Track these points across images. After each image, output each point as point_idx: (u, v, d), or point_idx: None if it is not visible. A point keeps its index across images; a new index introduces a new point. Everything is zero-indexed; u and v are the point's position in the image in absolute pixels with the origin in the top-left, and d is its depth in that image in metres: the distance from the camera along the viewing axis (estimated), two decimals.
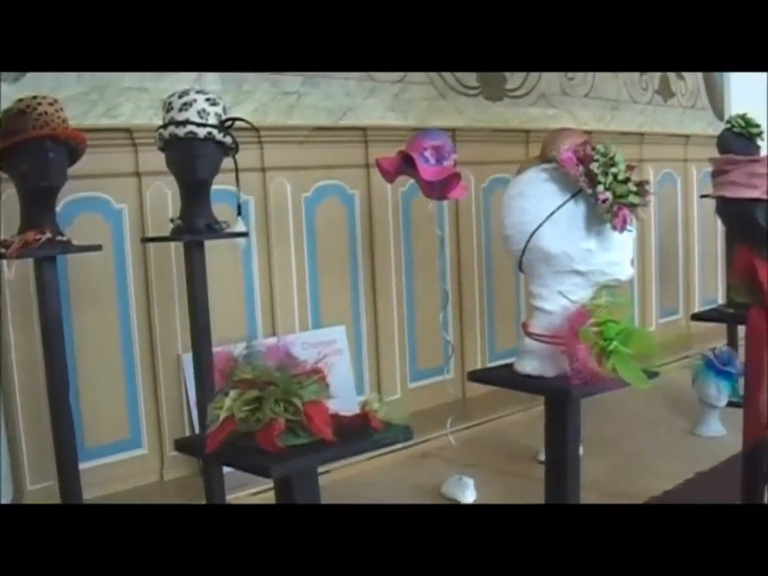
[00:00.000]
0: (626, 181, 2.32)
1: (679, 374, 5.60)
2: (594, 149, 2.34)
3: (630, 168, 2.37)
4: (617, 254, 2.45)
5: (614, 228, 2.33)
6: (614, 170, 2.32)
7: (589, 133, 6.21)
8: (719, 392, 5.13)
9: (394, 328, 5.45)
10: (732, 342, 5.68)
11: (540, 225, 2.39)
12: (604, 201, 2.30)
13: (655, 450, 4.92)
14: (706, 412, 5.25)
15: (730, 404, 5.01)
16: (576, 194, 2.38)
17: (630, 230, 2.41)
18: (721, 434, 5.08)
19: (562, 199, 2.39)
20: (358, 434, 2.24)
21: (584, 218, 2.38)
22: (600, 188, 2.30)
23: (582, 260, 2.39)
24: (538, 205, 2.40)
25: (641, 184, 2.33)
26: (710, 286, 7.89)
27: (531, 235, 2.40)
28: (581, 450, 4.70)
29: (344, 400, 2.42)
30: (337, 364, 4.87)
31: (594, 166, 2.31)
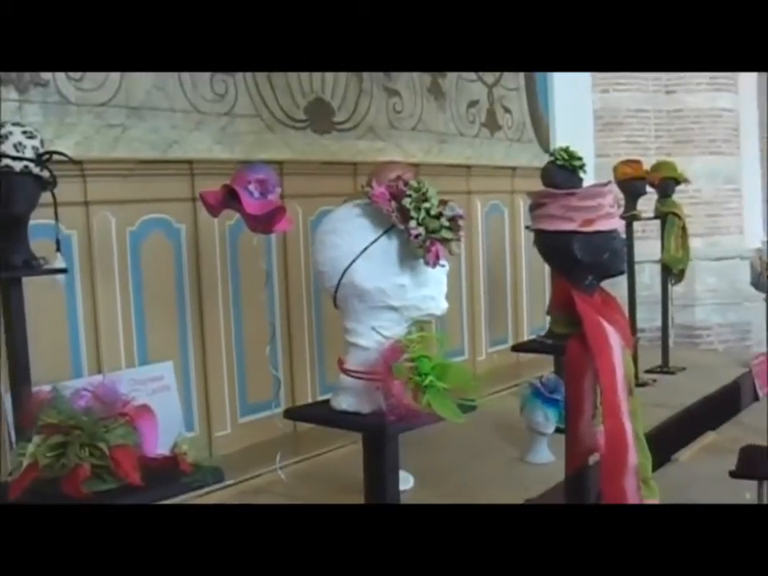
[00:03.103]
0: (439, 216, 2.33)
1: (509, 402, 5.68)
2: (406, 184, 2.34)
3: (442, 203, 2.38)
4: (431, 289, 2.45)
5: (427, 263, 2.33)
6: (426, 205, 2.32)
7: (416, 165, 6.30)
8: (547, 419, 5.23)
9: (222, 363, 5.39)
10: (559, 370, 5.77)
11: (353, 261, 2.38)
12: (416, 236, 2.30)
13: (485, 479, 4.98)
14: (535, 439, 5.34)
15: (558, 431, 5.09)
16: (389, 229, 2.38)
17: (443, 265, 2.42)
18: (549, 460, 5.17)
19: (374, 235, 2.39)
20: (167, 477, 2.18)
21: (397, 253, 2.38)
22: (412, 223, 2.30)
23: (396, 295, 2.39)
24: (351, 241, 2.40)
25: (453, 219, 2.34)
26: (538, 315, 8.05)
27: (344, 271, 2.40)
28: (411, 482, 4.76)
29: (172, 437, 2.38)
30: (165, 400, 4.84)
31: (406, 202, 2.32)
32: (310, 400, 5.65)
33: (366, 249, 2.38)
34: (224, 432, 5.42)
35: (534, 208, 3.34)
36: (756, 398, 7.58)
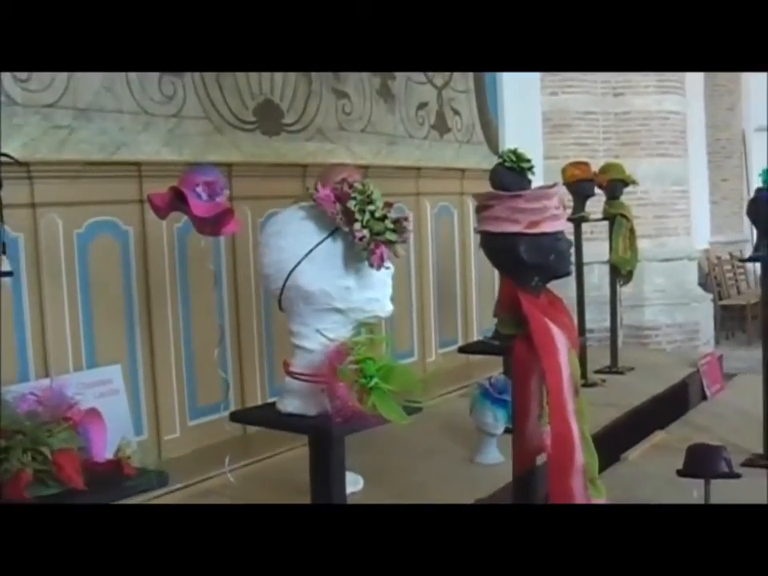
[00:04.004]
0: (383, 218, 2.33)
1: (459, 403, 5.69)
2: (351, 187, 2.35)
3: (387, 205, 2.39)
4: (376, 291, 2.46)
5: (372, 265, 2.34)
6: (371, 207, 2.33)
7: (365, 167, 6.30)
8: (496, 420, 5.26)
9: (171, 365, 5.36)
10: (508, 371, 5.79)
11: (297, 263, 2.38)
12: (361, 238, 2.31)
13: (435, 479, 5.00)
14: (484, 440, 5.37)
15: (508, 431, 5.11)
16: (334, 231, 2.38)
17: (388, 267, 2.43)
18: (499, 460, 5.19)
19: (319, 237, 2.39)
20: (110, 481, 2.18)
21: (342, 255, 2.39)
22: (357, 226, 2.31)
23: (341, 298, 2.40)
24: (296, 243, 2.40)
25: (398, 221, 2.35)
26: (487, 316, 8.07)
27: (289, 274, 2.40)
28: (361, 484, 4.77)
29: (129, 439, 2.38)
30: (113, 404, 4.81)
31: (351, 204, 2.32)
32: (260, 402, 5.64)
33: (310, 251, 2.38)
34: (173, 435, 5.38)
35: (479, 210, 3.36)
36: (704, 398, 7.66)
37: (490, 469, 5.18)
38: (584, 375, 7.39)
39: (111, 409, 4.45)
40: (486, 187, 5.98)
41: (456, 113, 8.41)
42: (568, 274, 3.40)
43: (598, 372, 7.93)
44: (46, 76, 4.81)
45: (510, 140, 8.46)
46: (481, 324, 8.01)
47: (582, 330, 7.56)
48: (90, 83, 5.04)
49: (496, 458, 5.29)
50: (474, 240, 7.83)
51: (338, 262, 2.39)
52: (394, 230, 2.34)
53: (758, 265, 5.73)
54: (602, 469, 4.57)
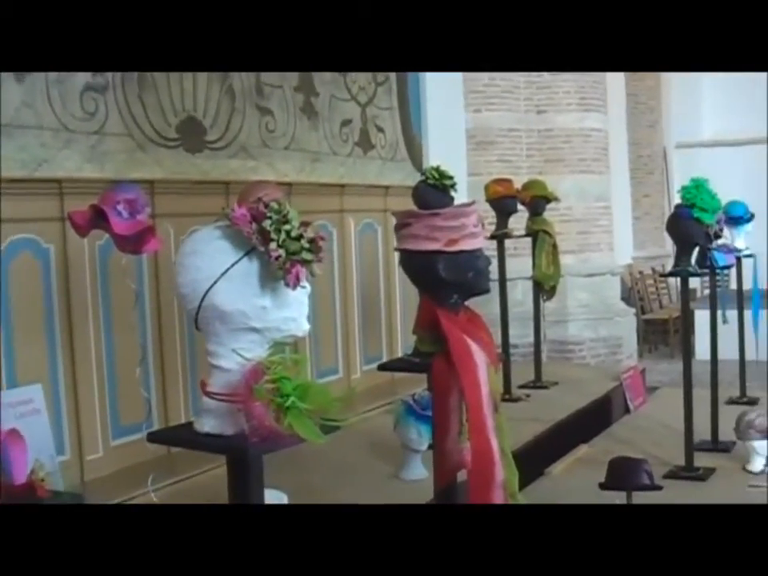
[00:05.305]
0: (299, 238, 2.34)
1: (383, 420, 5.71)
2: (267, 206, 2.36)
3: (304, 225, 2.39)
4: (292, 311, 2.46)
5: (288, 285, 2.35)
6: (287, 227, 2.34)
7: (289, 185, 6.31)
8: (420, 436, 5.27)
9: (93, 385, 5.31)
10: (432, 387, 5.83)
11: (214, 283, 2.38)
12: (277, 258, 2.31)
13: (360, 496, 4.99)
14: (409, 456, 5.39)
15: (432, 447, 5.14)
16: (250, 251, 2.39)
17: (304, 287, 2.43)
18: (423, 476, 5.21)
19: (235, 257, 2.39)
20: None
21: (258, 275, 2.39)
22: (273, 245, 2.31)
23: (257, 317, 2.40)
24: (212, 263, 2.39)
25: (314, 240, 2.36)
26: (412, 333, 8.11)
27: (205, 293, 2.39)
28: (285, 501, 4.75)
29: (43, 461, 2.35)
30: (34, 424, 4.75)
31: (266, 224, 2.33)
32: (183, 420, 5.60)
33: (226, 271, 2.38)
34: (96, 455, 5.33)
35: (399, 228, 3.39)
36: (627, 411, 7.74)
37: (415, 485, 5.20)
38: (508, 390, 7.46)
39: (32, 429, 4.40)
40: (409, 204, 6.01)
41: (380, 130, 8.44)
42: (487, 291, 3.44)
43: (522, 387, 7.99)
44: None
45: (433, 157, 8.51)
46: (405, 341, 8.03)
47: (505, 345, 7.63)
48: (10, 99, 4.98)
49: (421, 473, 5.31)
50: (398, 257, 7.85)
51: (254, 281, 2.39)
52: (309, 250, 2.35)
53: (679, 279, 5.83)
54: (526, 483, 4.63)
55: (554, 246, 8.01)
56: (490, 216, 7.65)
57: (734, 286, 8.14)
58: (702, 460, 5.84)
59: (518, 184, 7.96)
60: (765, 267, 8.08)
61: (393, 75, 8.63)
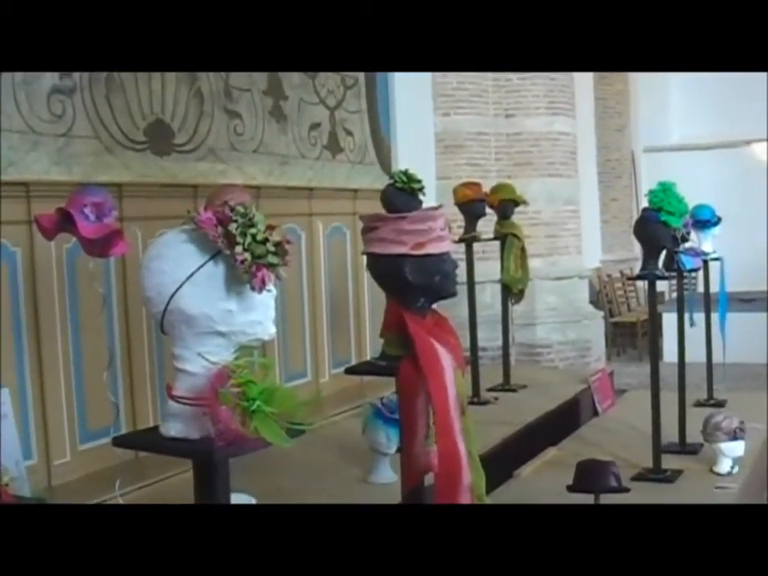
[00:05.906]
0: (265, 241, 2.34)
1: (352, 423, 5.70)
2: (233, 210, 2.35)
3: (270, 228, 2.39)
4: (258, 314, 2.46)
5: (253, 288, 2.34)
6: (252, 230, 2.33)
7: (257, 188, 6.30)
8: (388, 439, 5.28)
9: (61, 389, 5.29)
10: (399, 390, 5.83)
11: (179, 287, 2.37)
12: (242, 261, 2.31)
13: (329, 499, 4.99)
14: (377, 459, 5.39)
15: (400, 450, 5.14)
16: (215, 255, 2.38)
17: (270, 290, 2.43)
18: (392, 480, 5.21)
19: (201, 260, 2.39)
20: None
21: (224, 278, 2.39)
22: (238, 249, 2.31)
23: (223, 321, 2.39)
24: (177, 266, 2.39)
25: (279, 244, 2.36)
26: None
27: (171, 297, 2.39)
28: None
29: (10, 466, 2.34)
30: (1, 428, 4.72)
31: (232, 227, 2.33)
32: (151, 424, 5.57)
33: (192, 275, 2.37)
34: (63, 460, 5.31)
35: (366, 231, 3.39)
36: (595, 414, 7.76)
37: (383, 488, 5.20)
38: (477, 393, 7.48)
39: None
40: (378, 208, 6.02)
41: (348, 133, 8.45)
42: (454, 294, 3.44)
43: (490, 390, 8.00)
44: None
45: (402, 161, 8.53)
46: (374, 344, 8.02)
47: (474, 348, 7.64)
48: None
49: (389, 477, 5.31)
50: (366, 260, 7.86)
51: (219, 285, 2.39)
52: (275, 253, 2.35)
53: (647, 282, 5.86)
54: (494, 486, 4.64)
55: (523, 250, 8.03)
56: (459, 219, 7.67)
57: (701, 289, 8.17)
58: (669, 462, 5.86)
59: (486, 187, 7.99)
60: (731, 270, 8.11)
61: (362, 79, 8.64)
